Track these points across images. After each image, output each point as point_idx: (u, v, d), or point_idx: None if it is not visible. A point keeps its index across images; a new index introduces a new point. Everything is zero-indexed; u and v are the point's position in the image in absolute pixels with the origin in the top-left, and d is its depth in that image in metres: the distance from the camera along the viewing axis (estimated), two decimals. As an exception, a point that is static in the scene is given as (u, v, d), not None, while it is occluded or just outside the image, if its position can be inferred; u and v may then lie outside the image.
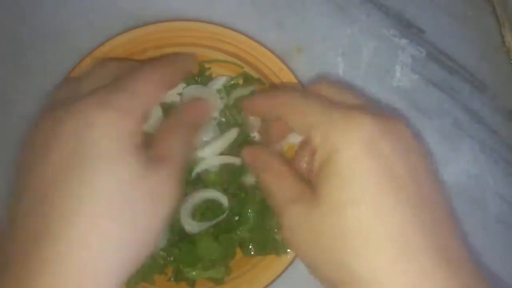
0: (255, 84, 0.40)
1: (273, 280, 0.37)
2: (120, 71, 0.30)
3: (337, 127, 0.25)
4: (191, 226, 0.36)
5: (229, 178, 0.37)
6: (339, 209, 0.24)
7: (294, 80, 0.39)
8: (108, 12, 0.44)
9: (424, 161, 0.26)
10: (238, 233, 0.37)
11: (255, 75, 0.41)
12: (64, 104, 0.27)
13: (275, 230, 0.38)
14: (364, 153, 0.24)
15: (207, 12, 0.43)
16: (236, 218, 0.37)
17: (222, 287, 0.38)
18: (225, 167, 0.37)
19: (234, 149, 0.37)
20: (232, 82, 0.40)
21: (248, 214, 0.37)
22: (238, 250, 0.38)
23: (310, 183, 0.27)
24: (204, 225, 0.36)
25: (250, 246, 0.37)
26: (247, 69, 0.41)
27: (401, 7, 0.46)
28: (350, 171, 0.24)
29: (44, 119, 0.28)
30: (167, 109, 0.37)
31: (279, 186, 0.28)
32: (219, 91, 0.39)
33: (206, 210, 0.36)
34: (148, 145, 0.28)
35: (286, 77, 0.40)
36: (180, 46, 0.40)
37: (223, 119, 0.39)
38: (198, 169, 0.37)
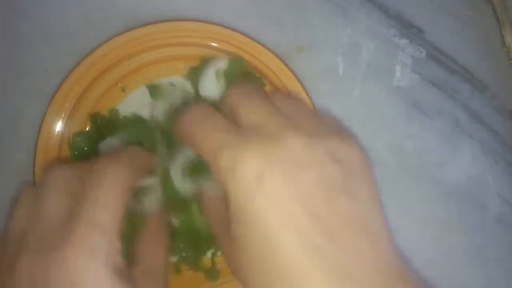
0: (255, 82, 0.39)
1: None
2: (74, 180, 0.28)
3: (224, 173, 0.25)
4: (183, 184, 0.35)
5: None
6: (241, 247, 0.24)
7: (294, 80, 0.39)
8: (108, 12, 0.44)
9: (319, 175, 0.25)
10: None
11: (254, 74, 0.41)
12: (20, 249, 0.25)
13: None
14: (250, 194, 0.24)
15: (207, 12, 0.43)
16: None
17: (223, 287, 0.38)
18: None
19: None
20: (226, 68, 0.38)
21: None
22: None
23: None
24: (198, 182, 0.35)
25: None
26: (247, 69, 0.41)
27: (401, 7, 0.46)
28: (239, 214, 0.24)
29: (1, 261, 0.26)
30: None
31: (213, 222, 0.31)
32: (218, 73, 0.38)
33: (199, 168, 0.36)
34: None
35: (286, 77, 0.40)
36: (180, 46, 0.40)
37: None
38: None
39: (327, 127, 0.28)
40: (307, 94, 0.40)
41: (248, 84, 0.34)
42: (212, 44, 0.40)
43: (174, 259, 0.38)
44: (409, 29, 0.46)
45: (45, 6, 0.44)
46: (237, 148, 0.25)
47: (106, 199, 0.26)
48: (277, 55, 0.40)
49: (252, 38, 0.40)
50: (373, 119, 0.44)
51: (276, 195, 0.23)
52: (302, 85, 0.40)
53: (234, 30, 0.40)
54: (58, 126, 0.39)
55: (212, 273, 0.38)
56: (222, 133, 0.26)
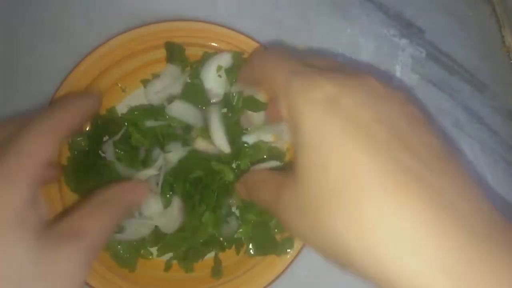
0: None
1: (273, 280, 0.37)
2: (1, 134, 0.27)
3: (298, 94, 0.23)
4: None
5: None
6: (312, 178, 0.22)
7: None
8: (108, 12, 0.44)
9: (402, 107, 0.23)
10: (239, 235, 0.37)
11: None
12: None
13: (275, 230, 0.38)
14: (324, 113, 0.22)
15: (207, 12, 0.43)
16: None
17: (223, 287, 0.38)
18: None
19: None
20: (228, 65, 0.39)
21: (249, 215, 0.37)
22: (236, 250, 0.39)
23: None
24: None
25: (250, 246, 0.37)
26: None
27: (401, 7, 0.46)
28: (314, 137, 0.22)
29: None
30: (153, 110, 0.38)
31: (266, 188, 0.28)
32: (219, 68, 0.38)
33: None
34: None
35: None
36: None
37: (225, 110, 0.39)
38: None
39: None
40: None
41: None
42: (212, 44, 0.40)
43: (166, 256, 0.38)
44: (409, 29, 0.46)
45: (45, 6, 0.44)
46: (312, 73, 0.24)
47: (30, 148, 0.25)
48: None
49: (252, 38, 0.40)
50: (373, 119, 0.44)
51: (357, 115, 0.22)
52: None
53: (234, 30, 0.40)
54: (58, 126, 0.39)
55: (216, 271, 0.38)
56: (298, 64, 0.26)
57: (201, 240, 0.37)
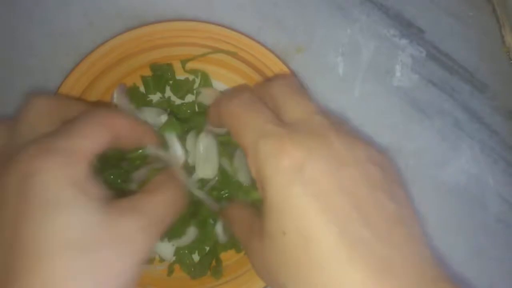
0: None
1: (273, 280, 0.37)
2: (64, 114, 0.28)
3: (265, 160, 0.25)
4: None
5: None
6: (273, 241, 0.24)
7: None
8: (108, 12, 0.44)
9: (363, 170, 0.25)
10: None
11: (255, 75, 0.41)
12: (0, 155, 0.25)
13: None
14: (289, 183, 0.23)
15: (206, 12, 0.43)
16: None
17: (223, 287, 0.38)
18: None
19: None
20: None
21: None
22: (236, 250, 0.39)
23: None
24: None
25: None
26: (247, 69, 0.41)
27: (401, 7, 0.46)
28: (278, 203, 0.24)
29: None
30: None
31: (241, 230, 0.30)
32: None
33: None
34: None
35: (286, 77, 0.40)
36: (180, 46, 0.40)
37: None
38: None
39: (362, 137, 0.28)
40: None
41: (290, 77, 0.34)
42: (212, 44, 0.40)
43: (168, 257, 0.38)
44: (409, 29, 0.46)
45: (45, 6, 0.44)
46: (281, 138, 0.25)
47: (87, 133, 0.26)
48: (277, 55, 0.40)
49: (252, 38, 0.40)
50: (373, 119, 0.44)
51: (318, 183, 0.23)
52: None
53: (234, 30, 0.40)
54: (58, 126, 0.39)
55: (216, 271, 0.38)
56: (267, 122, 0.26)
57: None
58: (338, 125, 0.27)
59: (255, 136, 0.26)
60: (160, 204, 0.27)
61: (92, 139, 0.26)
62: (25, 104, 0.29)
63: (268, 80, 0.31)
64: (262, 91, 0.30)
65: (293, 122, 0.27)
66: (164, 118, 0.37)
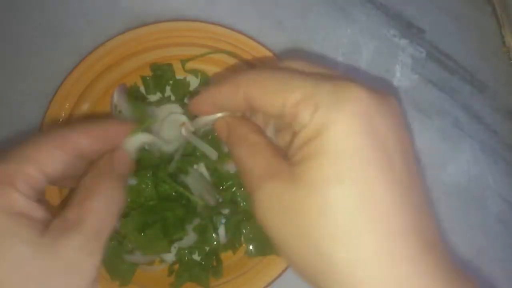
0: None
1: (273, 280, 0.37)
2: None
3: (331, 99, 0.22)
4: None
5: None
6: (320, 186, 0.21)
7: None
8: (108, 12, 0.44)
9: (411, 141, 0.24)
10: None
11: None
12: None
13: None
14: (358, 128, 0.21)
15: (207, 12, 0.43)
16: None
17: (223, 287, 0.38)
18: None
19: None
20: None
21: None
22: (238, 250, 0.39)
23: (288, 160, 0.24)
24: None
25: (250, 247, 0.37)
26: (247, 69, 0.41)
27: (401, 7, 0.46)
28: (339, 147, 0.21)
29: None
30: None
31: (254, 160, 0.25)
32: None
33: None
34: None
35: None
36: (180, 46, 0.40)
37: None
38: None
39: None
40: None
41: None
42: (212, 44, 0.40)
43: (169, 259, 0.38)
44: (409, 29, 0.46)
45: (45, 6, 0.44)
46: (345, 81, 0.23)
47: (26, 157, 0.25)
48: (277, 55, 0.40)
49: (252, 38, 0.40)
50: (373, 119, 0.44)
51: (385, 142, 0.22)
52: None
53: (234, 30, 0.40)
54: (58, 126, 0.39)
55: (216, 271, 0.38)
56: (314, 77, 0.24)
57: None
58: None
59: (309, 85, 0.23)
60: (94, 214, 0.25)
61: (32, 160, 0.25)
62: None
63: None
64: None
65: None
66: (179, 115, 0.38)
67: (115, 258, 0.37)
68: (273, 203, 0.23)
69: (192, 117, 0.39)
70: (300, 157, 0.22)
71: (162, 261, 0.39)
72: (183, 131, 0.37)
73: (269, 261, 0.37)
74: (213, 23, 0.40)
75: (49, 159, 0.25)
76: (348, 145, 0.21)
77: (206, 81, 0.42)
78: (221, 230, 0.39)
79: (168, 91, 0.42)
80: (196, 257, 0.39)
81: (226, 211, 0.38)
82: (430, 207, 0.23)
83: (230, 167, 0.38)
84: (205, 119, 0.30)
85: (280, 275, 0.37)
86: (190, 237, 0.37)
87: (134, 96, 0.40)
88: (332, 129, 0.22)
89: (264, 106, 0.25)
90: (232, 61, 0.41)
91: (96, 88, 0.40)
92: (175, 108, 0.39)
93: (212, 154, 0.35)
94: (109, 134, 0.30)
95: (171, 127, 0.38)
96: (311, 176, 0.22)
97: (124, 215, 0.35)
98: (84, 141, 0.28)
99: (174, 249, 0.38)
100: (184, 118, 0.38)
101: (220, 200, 0.38)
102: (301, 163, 0.22)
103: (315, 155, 0.22)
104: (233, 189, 0.38)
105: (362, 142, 0.21)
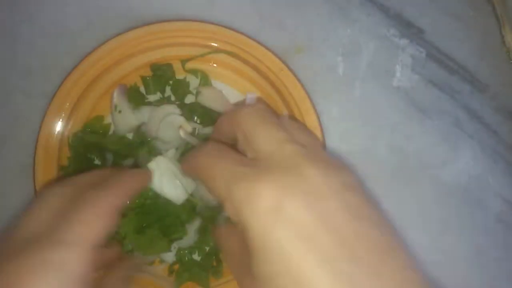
0: None
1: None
2: (61, 204, 0.29)
3: (241, 205, 0.24)
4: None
5: None
6: (264, 283, 0.23)
7: (294, 80, 0.39)
8: (108, 12, 0.44)
9: (340, 199, 0.24)
10: None
11: (255, 75, 0.41)
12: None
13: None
14: (270, 224, 0.23)
15: (207, 12, 0.43)
16: None
17: (223, 287, 0.38)
18: None
19: None
20: None
21: None
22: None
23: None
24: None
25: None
26: (247, 69, 0.41)
27: (401, 7, 0.46)
28: (261, 246, 0.23)
29: None
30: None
31: (232, 262, 0.29)
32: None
33: None
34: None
35: (286, 77, 0.40)
36: (180, 46, 0.40)
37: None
38: None
39: (333, 157, 0.28)
40: (307, 94, 0.40)
41: (260, 105, 0.33)
42: (212, 44, 0.40)
43: (169, 259, 0.38)
44: (409, 29, 0.46)
45: (45, 6, 0.44)
46: (253, 179, 0.24)
47: (87, 220, 0.27)
48: (277, 55, 0.40)
49: (252, 38, 0.40)
50: (373, 119, 0.44)
51: (298, 223, 0.23)
52: (302, 85, 0.40)
53: (234, 30, 0.40)
54: (58, 126, 0.39)
55: (216, 271, 0.38)
56: (236, 166, 0.26)
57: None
58: (309, 151, 0.26)
59: (227, 183, 0.25)
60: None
61: (87, 241, 0.27)
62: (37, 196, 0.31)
63: (236, 105, 0.30)
64: (230, 121, 0.30)
65: (263, 156, 0.26)
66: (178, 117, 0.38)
67: None
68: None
69: (190, 118, 0.39)
70: (249, 251, 0.25)
71: (162, 261, 0.39)
72: (182, 133, 0.37)
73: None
74: (213, 23, 0.40)
75: (100, 232, 0.28)
76: (266, 244, 0.23)
77: (206, 81, 0.42)
78: None
79: (168, 91, 0.42)
80: (196, 257, 0.39)
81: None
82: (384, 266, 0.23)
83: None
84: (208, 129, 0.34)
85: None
86: (190, 237, 0.37)
87: (134, 96, 0.40)
88: (249, 230, 0.23)
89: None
90: (232, 61, 0.41)
91: (96, 88, 0.40)
92: (173, 109, 0.39)
93: None
94: (133, 186, 0.32)
95: (168, 128, 0.38)
96: (256, 274, 0.24)
97: (123, 215, 0.35)
98: (119, 201, 0.30)
99: (174, 249, 0.38)
100: (181, 119, 0.38)
101: None
102: (250, 258, 0.24)
103: (251, 252, 0.24)
104: None
105: (278, 236, 0.23)
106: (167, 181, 0.36)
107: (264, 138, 0.27)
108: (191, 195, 0.37)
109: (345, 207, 0.24)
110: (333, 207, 0.24)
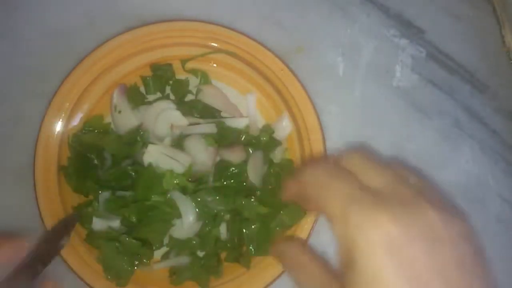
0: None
1: (273, 280, 0.37)
2: None
3: (356, 230, 0.23)
4: None
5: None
6: None
7: (294, 80, 0.39)
8: (108, 12, 0.44)
9: (455, 250, 0.24)
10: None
11: (255, 75, 0.41)
12: None
13: (276, 228, 0.38)
14: (384, 260, 0.22)
15: (207, 12, 0.43)
16: None
17: (223, 287, 0.38)
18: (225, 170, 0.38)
19: None
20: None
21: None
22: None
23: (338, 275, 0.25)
24: None
25: (251, 246, 0.38)
26: (247, 69, 0.41)
27: (401, 7, 0.46)
28: (370, 279, 0.22)
29: None
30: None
31: (307, 281, 0.28)
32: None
33: None
34: None
35: (286, 77, 0.40)
36: (180, 46, 0.40)
37: None
38: None
39: (446, 202, 0.27)
40: (307, 94, 0.40)
41: (362, 150, 0.32)
42: (212, 44, 0.40)
43: (169, 263, 0.39)
44: (409, 29, 0.46)
45: (45, 6, 0.44)
46: (372, 207, 0.23)
47: None
48: (277, 55, 0.40)
49: (252, 38, 0.40)
50: (373, 119, 0.44)
51: (414, 266, 0.22)
52: (302, 85, 0.40)
53: (234, 30, 0.40)
54: (58, 126, 0.39)
55: (216, 271, 0.38)
56: (355, 189, 0.25)
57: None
58: (427, 192, 0.26)
59: (344, 203, 0.24)
60: None
61: None
62: None
63: (345, 152, 0.30)
64: (340, 163, 0.29)
65: (380, 189, 0.25)
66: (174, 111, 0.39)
67: (114, 258, 0.37)
68: None
69: (190, 114, 0.39)
70: (345, 279, 0.24)
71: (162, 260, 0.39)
72: (174, 131, 0.38)
73: (269, 261, 0.37)
74: (213, 23, 0.40)
75: None
76: (375, 278, 0.22)
77: (206, 81, 0.42)
78: (223, 228, 0.39)
79: (168, 91, 0.42)
80: (199, 254, 0.39)
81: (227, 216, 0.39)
82: None
83: (232, 157, 0.39)
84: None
85: (280, 275, 0.37)
86: (184, 230, 0.37)
87: (134, 96, 0.40)
88: (363, 260, 0.23)
89: (316, 208, 0.27)
90: (232, 61, 0.41)
91: (96, 88, 0.40)
92: (168, 104, 0.39)
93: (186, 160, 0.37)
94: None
95: (164, 124, 0.39)
96: None
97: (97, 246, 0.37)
98: None
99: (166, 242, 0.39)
100: (177, 114, 0.39)
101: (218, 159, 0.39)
102: (348, 285, 0.23)
103: (353, 279, 0.23)
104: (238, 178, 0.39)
105: (389, 277, 0.22)
106: (163, 164, 0.37)
107: (376, 173, 0.26)
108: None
109: (459, 258, 0.23)
110: (448, 256, 0.23)
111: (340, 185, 0.25)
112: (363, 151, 0.29)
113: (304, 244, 0.31)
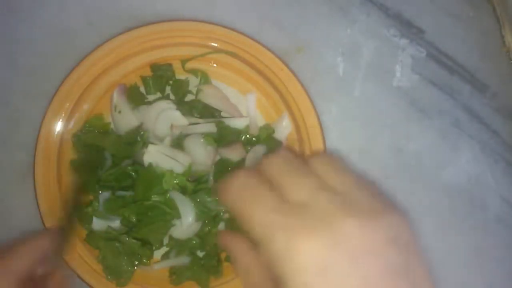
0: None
1: (273, 280, 0.37)
2: None
3: (281, 254, 0.23)
4: None
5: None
6: None
7: (294, 80, 0.39)
8: (108, 12, 0.44)
9: (385, 256, 0.23)
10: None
11: (255, 75, 0.41)
12: None
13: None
14: (311, 283, 0.22)
15: (207, 12, 0.43)
16: None
17: (223, 287, 0.38)
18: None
19: None
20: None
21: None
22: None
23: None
24: None
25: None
26: (247, 69, 0.41)
27: (401, 7, 0.46)
28: None
29: None
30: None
31: (247, 276, 0.28)
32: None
33: None
34: None
35: (286, 77, 0.40)
36: (180, 46, 0.40)
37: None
38: None
39: (372, 195, 0.26)
40: (307, 94, 0.40)
41: (285, 151, 0.30)
42: (212, 44, 0.40)
43: (168, 263, 0.39)
44: (409, 29, 0.46)
45: (45, 6, 0.44)
46: (292, 231, 0.23)
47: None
48: (277, 55, 0.40)
49: (252, 38, 0.40)
50: (373, 119, 0.44)
51: (342, 283, 0.22)
52: (302, 85, 0.40)
53: (234, 30, 0.40)
54: (58, 126, 0.39)
55: (216, 271, 0.38)
56: (272, 212, 0.24)
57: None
58: (345, 197, 0.25)
59: (263, 229, 0.24)
60: None
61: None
62: None
63: (265, 157, 0.29)
64: (260, 171, 0.28)
65: (299, 204, 0.25)
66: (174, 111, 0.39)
67: (114, 258, 0.37)
68: None
69: (190, 114, 0.40)
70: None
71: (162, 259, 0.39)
72: (174, 131, 0.38)
73: (269, 261, 0.37)
74: (213, 23, 0.40)
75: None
76: None
77: (206, 81, 0.42)
78: (222, 227, 0.39)
79: (168, 91, 0.42)
80: (199, 254, 0.39)
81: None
82: None
83: (232, 155, 0.39)
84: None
85: (280, 275, 0.37)
86: (183, 229, 0.37)
87: (134, 96, 0.40)
88: (286, 285, 0.22)
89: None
90: (232, 61, 0.41)
91: (96, 88, 0.40)
92: (168, 104, 0.39)
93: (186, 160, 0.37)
94: (39, 251, 0.34)
95: (165, 123, 0.39)
96: None
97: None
98: (22, 268, 0.32)
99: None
100: (177, 114, 0.39)
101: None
102: None
103: None
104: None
105: None
106: (163, 164, 0.37)
107: (295, 185, 0.26)
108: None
109: (387, 266, 0.23)
110: (374, 266, 0.23)
111: (256, 207, 0.25)
112: (284, 154, 0.28)
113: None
